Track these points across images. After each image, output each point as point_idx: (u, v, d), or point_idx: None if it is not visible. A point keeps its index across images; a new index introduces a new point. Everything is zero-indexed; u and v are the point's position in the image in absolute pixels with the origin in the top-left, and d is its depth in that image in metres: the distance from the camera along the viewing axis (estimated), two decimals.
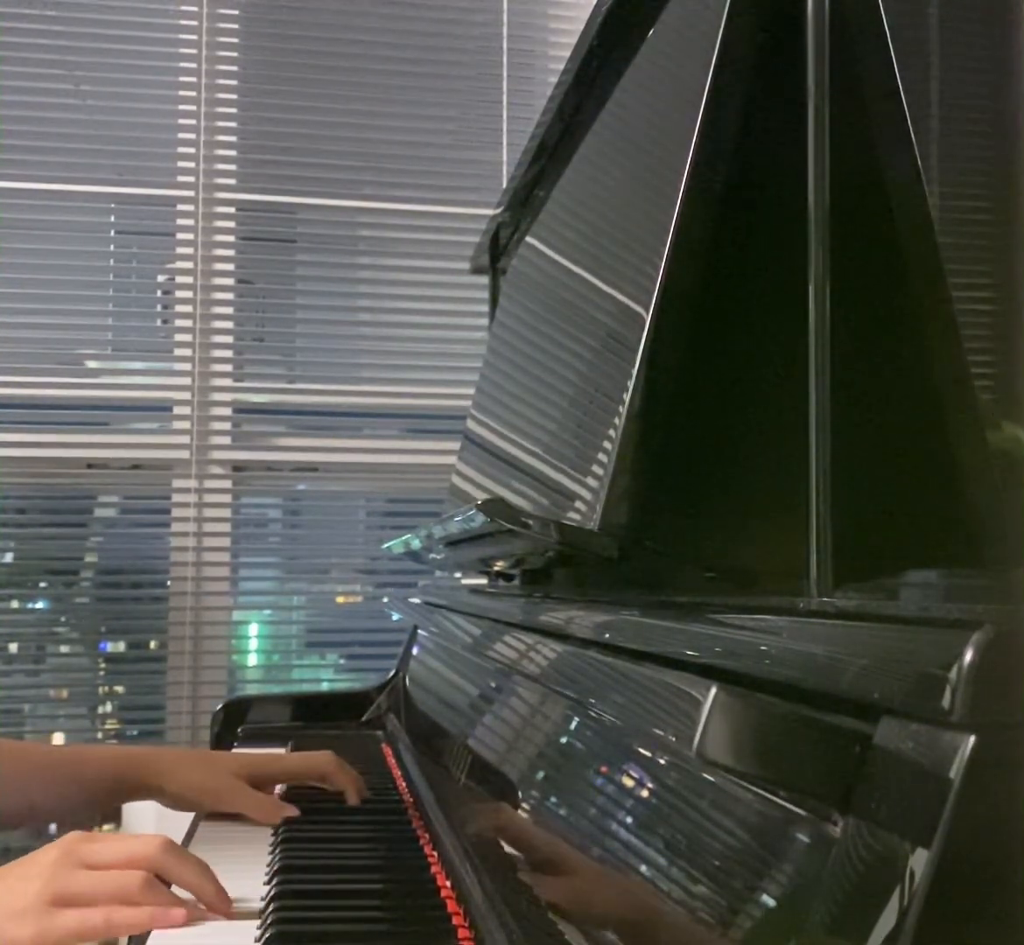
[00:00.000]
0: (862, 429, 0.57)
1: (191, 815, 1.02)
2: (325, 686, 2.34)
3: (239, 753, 1.28)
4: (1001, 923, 0.29)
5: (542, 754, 0.67)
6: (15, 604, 2.22)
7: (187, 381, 2.22)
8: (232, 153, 2.29)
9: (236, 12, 2.30)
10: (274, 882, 0.76)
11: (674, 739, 0.42)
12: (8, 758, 0.95)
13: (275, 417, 2.32)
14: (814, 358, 0.57)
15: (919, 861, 0.29)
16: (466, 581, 1.81)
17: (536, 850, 0.63)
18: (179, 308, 2.25)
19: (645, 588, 0.75)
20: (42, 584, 2.24)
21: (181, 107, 2.27)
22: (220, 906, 0.71)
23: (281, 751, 1.26)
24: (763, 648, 0.41)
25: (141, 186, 2.26)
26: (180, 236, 2.26)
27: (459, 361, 2.28)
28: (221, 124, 2.28)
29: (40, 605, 2.26)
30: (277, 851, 0.86)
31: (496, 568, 1.13)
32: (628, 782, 0.52)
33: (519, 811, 0.67)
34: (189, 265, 2.24)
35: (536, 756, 0.67)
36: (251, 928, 0.68)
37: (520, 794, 0.67)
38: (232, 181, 2.28)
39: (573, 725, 0.62)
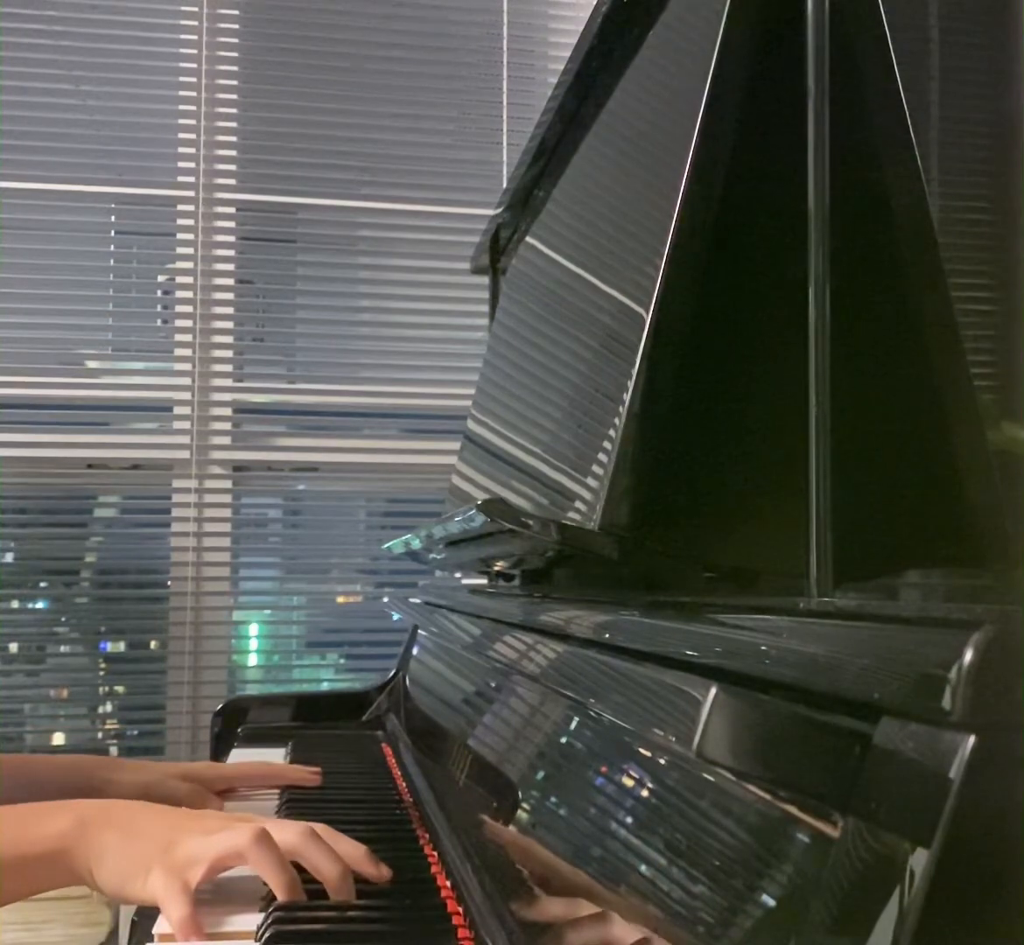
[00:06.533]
0: (862, 429, 0.57)
1: None
2: (325, 686, 2.34)
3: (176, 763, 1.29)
4: (1001, 923, 0.29)
5: (542, 754, 0.67)
6: (15, 604, 2.22)
7: (187, 381, 2.22)
8: (232, 153, 2.29)
9: (236, 12, 2.30)
10: None
11: (674, 739, 0.42)
12: None
13: (275, 417, 2.32)
14: (814, 358, 0.57)
15: (919, 861, 0.29)
16: (466, 581, 1.81)
17: (536, 850, 0.63)
18: (179, 308, 2.25)
19: (645, 588, 0.75)
20: (42, 584, 2.24)
21: (181, 107, 2.27)
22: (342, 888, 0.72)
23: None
24: (763, 648, 0.41)
25: (141, 186, 2.26)
26: (180, 236, 2.26)
27: (459, 361, 2.28)
28: (221, 124, 2.28)
29: (40, 605, 2.26)
30: None
31: (496, 568, 1.13)
32: (628, 782, 0.52)
33: (519, 811, 0.67)
34: (189, 265, 2.24)
35: (536, 756, 0.67)
36: (250, 929, 0.68)
37: (520, 794, 0.67)
38: (232, 181, 2.28)
39: (573, 725, 0.62)
